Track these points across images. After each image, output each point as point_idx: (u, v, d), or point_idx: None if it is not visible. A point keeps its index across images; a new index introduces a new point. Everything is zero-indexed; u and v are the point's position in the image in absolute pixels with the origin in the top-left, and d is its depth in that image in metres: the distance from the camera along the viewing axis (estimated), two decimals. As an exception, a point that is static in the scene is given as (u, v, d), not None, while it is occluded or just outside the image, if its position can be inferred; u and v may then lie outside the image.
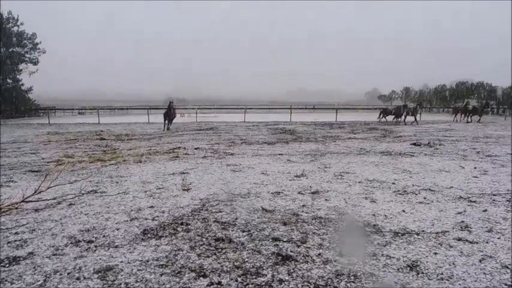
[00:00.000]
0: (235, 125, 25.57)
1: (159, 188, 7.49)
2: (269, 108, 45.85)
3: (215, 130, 21.37)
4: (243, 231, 5.02)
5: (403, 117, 30.71)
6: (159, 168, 9.68)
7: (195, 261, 4.16)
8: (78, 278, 3.77)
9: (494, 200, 6.74)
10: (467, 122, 30.05)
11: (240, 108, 36.69)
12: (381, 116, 32.65)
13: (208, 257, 4.26)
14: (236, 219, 5.54)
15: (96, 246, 4.59)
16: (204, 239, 4.78)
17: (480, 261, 4.23)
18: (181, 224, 5.37)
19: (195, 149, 13.32)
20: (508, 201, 6.71)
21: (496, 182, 8.25)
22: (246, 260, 4.17)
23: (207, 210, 6.02)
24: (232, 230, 5.08)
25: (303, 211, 5.93)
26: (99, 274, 3.85)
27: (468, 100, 35.80)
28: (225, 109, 44.94)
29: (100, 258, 4.24)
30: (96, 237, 4.88)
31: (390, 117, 32.02)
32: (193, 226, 5.27)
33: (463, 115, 32.19)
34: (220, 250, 4.43)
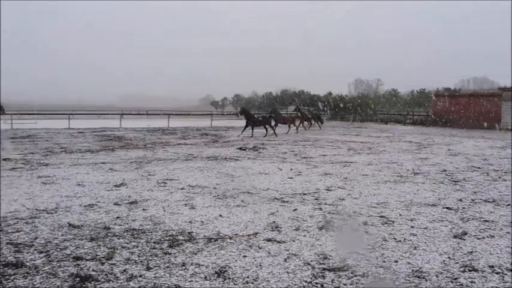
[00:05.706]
0: (58, 132, 23.35)
1: None
2: (98, 114, 43.20)
3: (32, 138, 19.14)
4: (41, 253, 4.43)
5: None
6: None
7: (-28, 295, 3.50)
8: None
9: (304, 199, 7.26)
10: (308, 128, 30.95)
11: (65, 114, 33.71)
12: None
13: (-10, 288, 3.62)
14: (35, 239, 4.89)
15: None
16: (-11, 267, 4.07)
17: (285, 260, 4.41)
18: (-36, 250, 4.53)
19: (4, 160, 11.71)
20: (316, 199, 7.30)
21: (308, 182, 8.96)
22: (38, 285, 3.65)
23: (1, 230, 5.20)
24: (27, 253, 4.44)
25: (115, 224, 5.54)
26: None
27: (298, 107, 35.88)
28: (49, 115, 40.58)
29: None
30: None
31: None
32: (-22, 252, 4.48)
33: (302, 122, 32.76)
34: (7, 277, 3.81)
